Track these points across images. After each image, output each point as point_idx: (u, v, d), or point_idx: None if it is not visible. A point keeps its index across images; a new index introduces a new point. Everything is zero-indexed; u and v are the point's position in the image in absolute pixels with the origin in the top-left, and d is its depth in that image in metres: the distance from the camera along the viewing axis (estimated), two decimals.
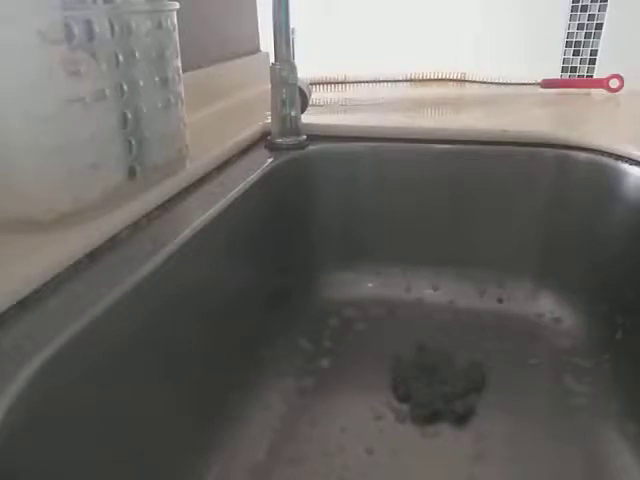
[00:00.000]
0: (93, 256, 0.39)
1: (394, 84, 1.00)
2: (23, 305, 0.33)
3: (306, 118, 0.71)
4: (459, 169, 0.68)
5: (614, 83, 0.86)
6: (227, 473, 0.48)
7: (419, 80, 1.01)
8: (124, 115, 0.44)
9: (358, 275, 0.74)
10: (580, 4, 1.62)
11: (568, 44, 1.67)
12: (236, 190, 0.54)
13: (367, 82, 0.99)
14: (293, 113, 0.66)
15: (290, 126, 0.67)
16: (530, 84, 0.90)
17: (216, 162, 0.60)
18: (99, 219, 0.41)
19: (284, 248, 0.67)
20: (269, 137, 0.69)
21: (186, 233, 0.44)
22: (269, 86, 0.66)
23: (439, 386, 0.56)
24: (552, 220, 0.67)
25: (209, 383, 0.50)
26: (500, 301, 0.70)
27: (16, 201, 0.40)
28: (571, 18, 1.64)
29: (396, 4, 1.71)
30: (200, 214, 0.48)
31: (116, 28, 0.42)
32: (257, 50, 1.02)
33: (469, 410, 0.54)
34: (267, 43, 1.03)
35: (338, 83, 1.00)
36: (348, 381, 0.59)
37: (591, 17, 1.63)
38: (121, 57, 0.43)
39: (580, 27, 1.65)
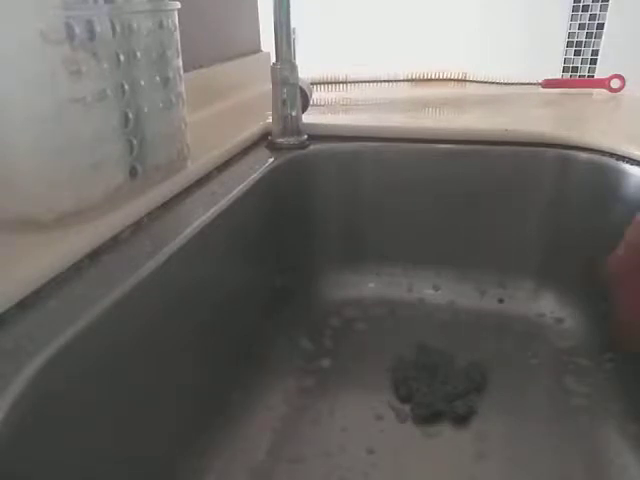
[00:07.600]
0: (94, 256, 0.39)
1: (395, 84, 1.00)
2: (23, 305, 0.33)
3: (307, 118, 0.71)
4: (460, 169, 0.68)
5: (615, 83, 0.86)
6: (227, 473, 0.48)
7: (420, 80, 1.01)
8: (125, 115, 0.44)
9: (359, 275, 0.74)
10: (581, 4, 1.62)
11: (569, 44, 1.67)
12: (237, 190, 0.54)
13: (368, 82, 0.99)
14: (294, 113, 0.66)
15: (291, 126, 0.67)
16: (531, 84, 0.90)
17: (217, 162, 0.60)
18: (100, 219, 0.41)
19: (285, 248, 0.67)
20: (270, 137, 0.69)
21: (187, 233, 0.44)
22: (270, 86, 0.66)
23: (440, 386, 0.56)
24: (553, 220, 0.67)
25: (209, 383, 0.50)
26: (501, 301, 0.70)
27: (17, 201, 0.40)
28: (572, 18, 1.64)
29: (397, 4, 1.71)
30: (201, 214, 0.48)
31: (117, 28, 0.42)
32: (258, 50, 1.02)
33: (470, 410, 0.54)
34: (267, 40, 1.03)
35: (339, 83, 1.00)
36: (349, 381, 0.59)
37: (592, 17, 1.63)
38: (122, 57, 0.43)
39: (581, 27, 1.65)
